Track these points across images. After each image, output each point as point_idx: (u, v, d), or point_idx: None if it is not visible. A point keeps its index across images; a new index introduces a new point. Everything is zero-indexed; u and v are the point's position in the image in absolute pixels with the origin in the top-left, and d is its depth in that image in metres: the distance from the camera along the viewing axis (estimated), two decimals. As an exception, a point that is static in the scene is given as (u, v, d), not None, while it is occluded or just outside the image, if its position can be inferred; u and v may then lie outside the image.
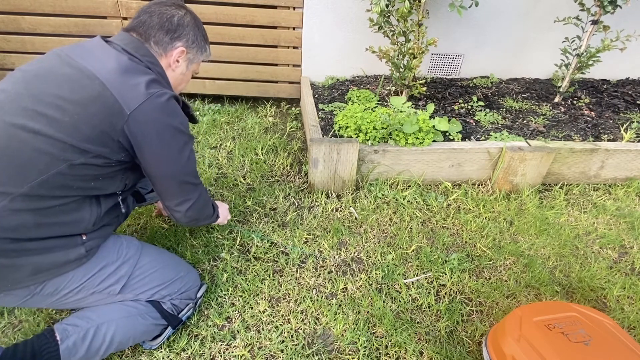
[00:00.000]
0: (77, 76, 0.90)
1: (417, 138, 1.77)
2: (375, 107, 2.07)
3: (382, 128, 1.79)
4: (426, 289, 1.39)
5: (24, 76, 0.92)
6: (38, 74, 0.92)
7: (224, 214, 1.41)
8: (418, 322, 1.28)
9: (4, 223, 0.84)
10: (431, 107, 1.99)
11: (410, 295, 1.37)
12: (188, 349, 1.17)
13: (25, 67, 0.94)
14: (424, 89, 2.16)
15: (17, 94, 0.89)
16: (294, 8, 2.30)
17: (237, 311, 1.28)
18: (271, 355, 1.17)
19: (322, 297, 1.34)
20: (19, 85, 0.90)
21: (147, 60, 1.00)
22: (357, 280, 1.41)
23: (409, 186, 1.86)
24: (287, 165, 1.99)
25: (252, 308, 1.30)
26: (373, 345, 1.20)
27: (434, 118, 1.91)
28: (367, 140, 1.77)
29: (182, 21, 1.06)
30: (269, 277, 1.40)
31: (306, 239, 1.57)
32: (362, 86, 2.47)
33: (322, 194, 1.79)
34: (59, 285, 0.97)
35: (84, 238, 0.97)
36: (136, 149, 0.96)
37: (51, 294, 0.97)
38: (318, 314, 1.29)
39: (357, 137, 1.77)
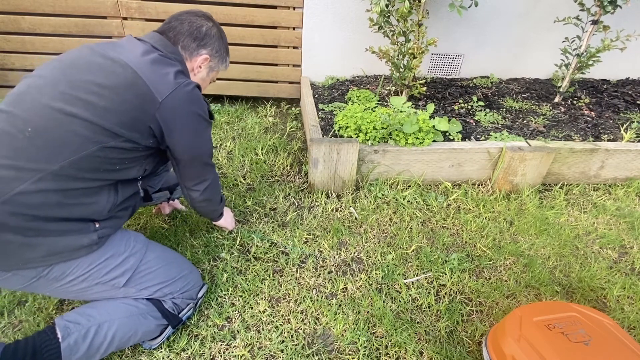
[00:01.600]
0: (109, 65, 0.97)
1: (417, 138, 1.77)
2: (375, 107, 2.08)
3: (382, 128, 1.79)
4: (426, 289, 1.39)
5: (61, 65, 0.98)
6: (73, 62, 0.98)
7: (227, 219, 1.48)
8: (418, 322, 1.28)
9: (29, 200, 0.88)
10: (431, 107, 1.99)
11: (410, 295, 1.37)
12: (188, 349, 1.17)
13: (60, 57, 1.01)
14: (424, 89, 2.16)
15: (55, 79, 0.94)
16: (294, 8, 2.30)
17: (237, 311, 1.29)
18: (271, 355, 1.17)
19: (322, 297, 1.34)
20: (57, 71, 0.96)
21: (173, 57, 1.08)
22: (357, 280, 1.41)
23: (409, 186, 1.86)
24: (287, 165, 1.99)
25: (252, 308, 1.30)
26: (373, 345, 1.20)
27: (434, 118, 1.91)
28: (367, 140, 1.77)
29: (210, 32, 1.16)
30: (269, 277, 1.40)
31: (306, 239, 1.57)
32: (362, 86, 2.47)
33: (322, 194, 1.79)
34: (66, 270, 0.98)
35: (97, 225, 1.01)
36: (166, 134, 1.03)
37: (57, 279, 0.98)
38: (318, 314, 1.29)
39: (357, 137, 1.77)
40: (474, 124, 2.07)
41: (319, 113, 2.12)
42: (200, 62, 1.17)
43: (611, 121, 2.14)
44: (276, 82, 2.55)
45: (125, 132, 0.96)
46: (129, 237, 1.11)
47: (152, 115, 0.98)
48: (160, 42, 1.08)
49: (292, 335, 1.22)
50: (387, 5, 1.90)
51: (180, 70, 1.05)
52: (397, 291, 1.38)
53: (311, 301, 1.32)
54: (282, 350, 1.18)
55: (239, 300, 1.32)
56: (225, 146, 2.13)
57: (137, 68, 0.97)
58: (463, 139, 1.90)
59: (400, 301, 1.34)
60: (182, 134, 1.05)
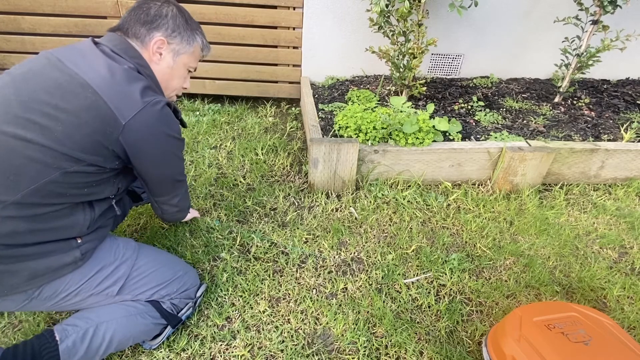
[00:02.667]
0: (68, 83, 0.88)
1: (417, 138, 1.77)
2: (375, 107, 2.07)
3: (382, 128, 1.79)
4: (426, 289, 1.39)
5: (12, 80, 0.89)
6: (26, 78, 0.89)
7: (191, 212, 1.50)
8: (418, 322, 1.28)
9: None
10: (431, 107, 1.99)
11: (410, 295, 1.37)
12: (188, 349, 1.17)
13: (12, 70, 0.92)
14: (424, 89, 2.16)
15: (5, 99, 0.86)
16: (294, 8, 2.30)
17: (237, 311, 1.28)
18: (271, 355, 1.17)
19: (322, 297, 1.34)
20: (8, 90, 0.88)
21: (136, 63, 0.98)
22: (357, 280, 1.41)
23: (409, 186, 1.86)
24: (287, 165, 1.99)
25: (252, 308, 1.29)
26: (373, 345, 1.20)
27: (434, 118, 1.91)
28: (367, 140, 1.77)
29: (160, 12, 1.03)
30: (269, 277, 1.40)
31: (306, 239, 1.57)
32: (362, 86, 2.47)
33: (322, 194, 1.79)
34: (57, 289, 0.96)
35: (79, 241, 0.97)
36: (132, 157, 0.95)
37: (49, 298, 0.97)
38: (318, 314, 1.29)
39: (357, 137, 1.77)
40: (474, 124, 2.07)
41: (319, 113, 2.12)
42: (156, 48, 1.02)
43: (611, 121, 2.14)
44: (276, 82, 2.55)
45: (86, 156, 0.88)
46: (118, 246, 1.09)
47: (115, 139, 0.90)
48: (119, 45, 0.98)
49: (292, 335, 1.22)
50: (387, 5, 1.90)
51: (147, 86, 0.95)
52: (397, 291, 1.38)
53: (311, 301, 1.32)
54: (282, 350, 1.17)
55: (239, 300, 1.32)
56: (225, 146, 2.13)
57: (98, 87, 0.87)
58: (463, 139, 1.90)
59: (400, 301, 1.34)
60: (150, 156, 0.98)
